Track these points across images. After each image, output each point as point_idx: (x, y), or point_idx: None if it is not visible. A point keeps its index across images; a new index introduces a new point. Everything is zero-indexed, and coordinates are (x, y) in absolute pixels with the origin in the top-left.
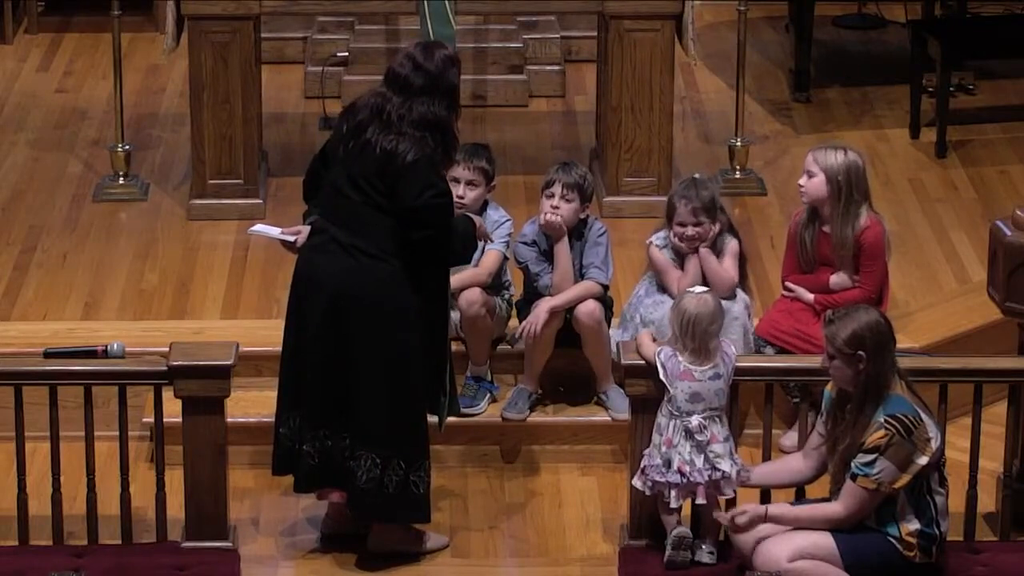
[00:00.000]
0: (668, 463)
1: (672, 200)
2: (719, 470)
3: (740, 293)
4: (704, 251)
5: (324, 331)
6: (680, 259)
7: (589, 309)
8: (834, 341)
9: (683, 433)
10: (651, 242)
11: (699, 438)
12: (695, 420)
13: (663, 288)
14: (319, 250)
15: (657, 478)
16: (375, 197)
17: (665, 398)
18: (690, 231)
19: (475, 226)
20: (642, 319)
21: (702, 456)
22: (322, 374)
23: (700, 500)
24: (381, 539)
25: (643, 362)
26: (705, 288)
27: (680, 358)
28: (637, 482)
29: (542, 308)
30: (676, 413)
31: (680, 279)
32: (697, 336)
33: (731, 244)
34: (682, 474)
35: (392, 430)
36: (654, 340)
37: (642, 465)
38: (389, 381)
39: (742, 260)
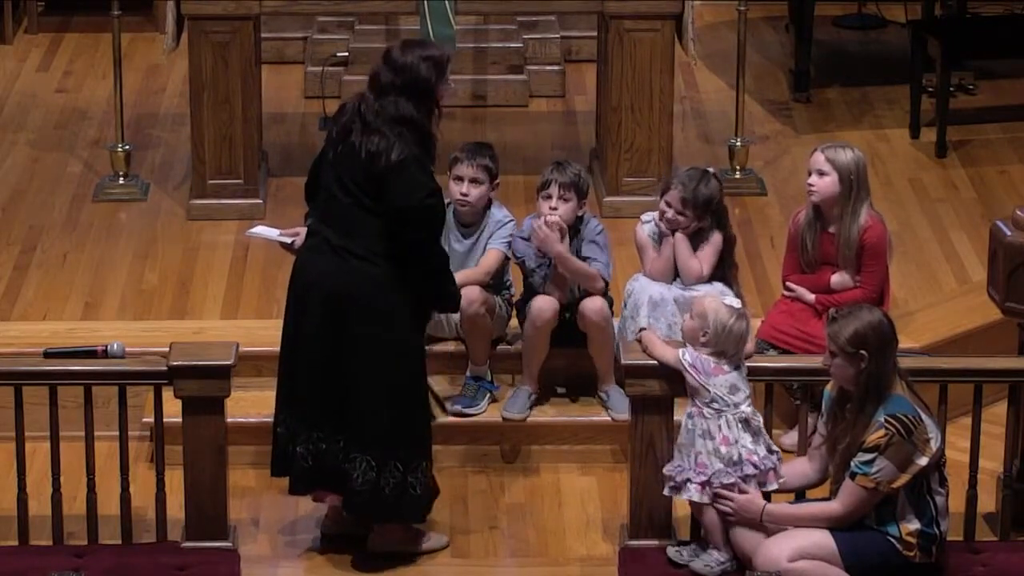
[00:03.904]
0: (733, 461)
1: (672, 179)
2: (774, 452)
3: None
4: (680, 236)
5: (318, 332)
6: (662, 239)
7: (597, 306)
8: (836, 340)
9: (740, 426)
10: (640, 218)
11: (755, 423)
12: (747, 408)
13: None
14: (313, 252)
15: (726, 480)
16: (363, 199)
17: (700, 400)
18: (670, 214)
19: (457, 294)
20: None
21: (761, 442)
22: (316, 375)
23: (773, 486)
24: (381, 539)
25: (647, 362)
26: (721, 289)
27: (708, 357)
28: (701, 496)
29: (551, 241)
30: (724, 408)
31: (654, 261)
32: (743, 345)
33: (714, 238)
34: (753, 465)
35: (388, 432)
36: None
37: (702, 479)
38: (382, 382)
39: (730, 263)
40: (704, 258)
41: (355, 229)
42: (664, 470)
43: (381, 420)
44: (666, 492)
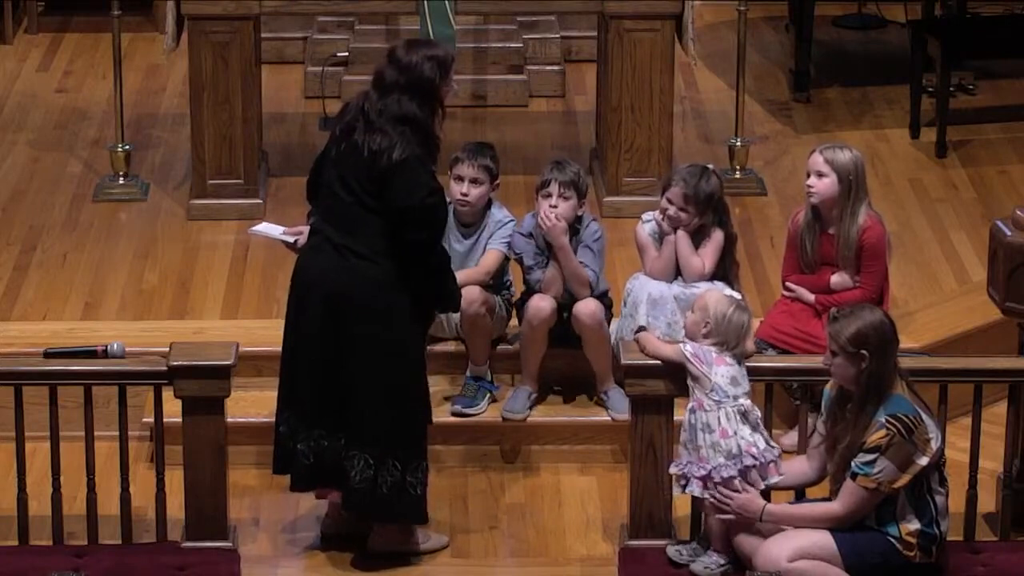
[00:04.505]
0: (732, 453)
1: (673, 176)
2: (773, 447)
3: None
4: (682, 234)
5: (318, 331)
6: (663, 238)
7: (590, 309)
8: (838, 339)
9: (739, 418)
10: (640, 218)
11: (753, 417)
12: (745, 401)
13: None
14: (314, 251)
15: (727, 474)
16: (365, 198)
17: (701, 391)
18: (672, 211)
19: (458, 293)
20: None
21: (759, 436)
22: (316, 374)
23: (774, 479)
24: (381, 539)
25: (647, 362)
26: (715, 285)
27: (710, 347)
28: (704, 494)
29: (559, 231)
30: (723, 400)
31: (654, 260)
32: (744, 338)
33: (716, 235)
34: (752, 456)
35: (386, 430)
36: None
37: (702, 473)
38: (381, 382)
39: (731, 261)
40: (706, 256)
41: (357, 228)
42: (670, 470)
43: (380, 419)
44: (676, 492)
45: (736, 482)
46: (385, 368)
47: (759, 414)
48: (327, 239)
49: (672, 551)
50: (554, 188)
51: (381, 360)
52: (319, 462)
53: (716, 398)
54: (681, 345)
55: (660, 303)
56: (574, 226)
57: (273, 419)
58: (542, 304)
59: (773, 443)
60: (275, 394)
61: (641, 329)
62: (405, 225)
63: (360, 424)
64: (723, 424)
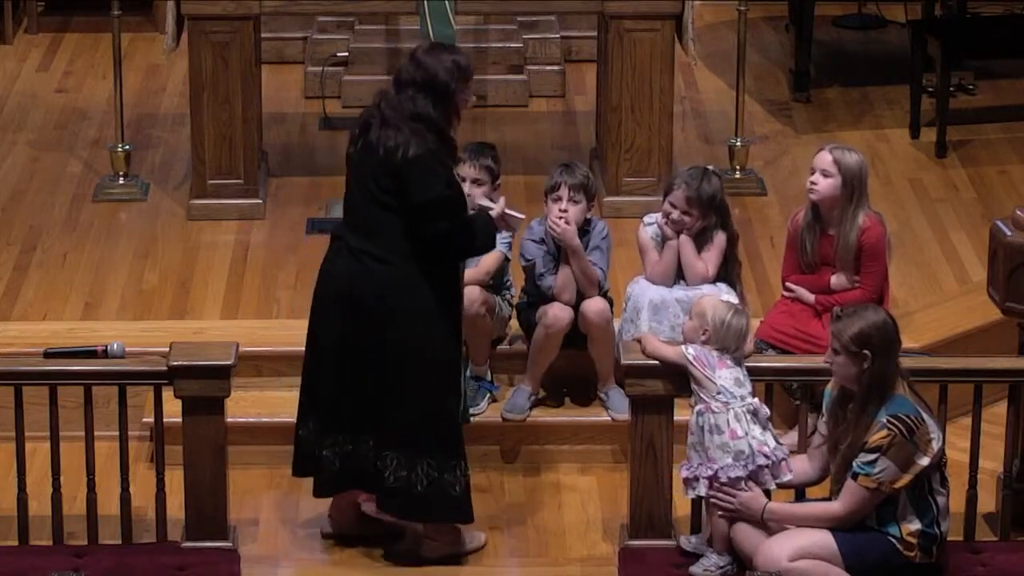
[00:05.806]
0: (742, 453)
1: (674, 180)
2: (782, 445)
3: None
4: (684, 238)
5: (334, 336)
6: (665, 242)
7: (599, 307)
8: (840, 338)
9: (748, 418)
10: (642, 220)
11: (763, 414)
12: (753, 399)
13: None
14: (332, 258)
15: (733, 474)
16: (382, 197)
17: (707, 394)
18: (675, 215)
19: (492, 219)
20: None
21: (769, 435)
22: (337, 379)
23: (788, 476)
24: (433, 546)
25: (647, 362)
26: (725, 290)
27: (711, 350)
28: (709, 491)
29: (570, 234)
30: (731, 400)
31: (655, 264)
32: (744, 340)
33: (718, 238)
34: (765, 455)
35: (414, 431)
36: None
37: (709, 473)
38: (402, 382)
39: (733, 262)
40: (709, 260)
41: (375, 231)
42: (682, 473)
43: (403, 420)
44: (688, 495)
45: (742, 483)
46: (401, 369)
47: (768, 412)
48: (346, 244)
49: (683, 539)
50: (563, 192)
51: (391, 363)
52: (345, 466)
53: (723, 399)
54: (683, 347)
55: (662, 308)
56: (582, 227)
57: (273, 419)
58: (561, 314)
59: (781, 441)
60: (276, 394)
61: None
62: (424, 220)
63: (386, 426)
64: (732, 425)
